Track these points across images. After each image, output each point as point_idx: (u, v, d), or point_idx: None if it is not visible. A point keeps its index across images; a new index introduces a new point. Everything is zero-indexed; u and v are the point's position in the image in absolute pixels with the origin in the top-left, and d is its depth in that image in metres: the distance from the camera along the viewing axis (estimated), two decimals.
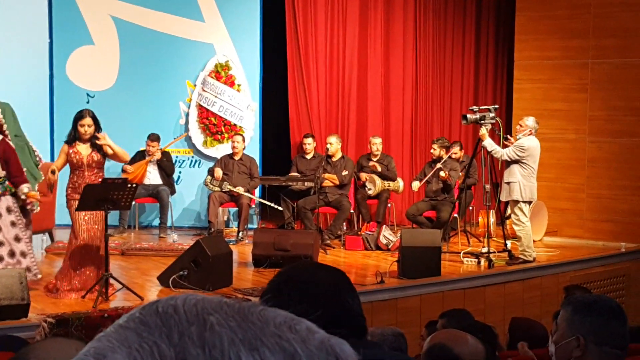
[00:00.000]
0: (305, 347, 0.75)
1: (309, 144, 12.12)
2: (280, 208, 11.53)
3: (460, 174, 11.63)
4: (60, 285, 7.92)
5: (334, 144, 11.69)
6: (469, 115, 10.02)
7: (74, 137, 8.02)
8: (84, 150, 7.99)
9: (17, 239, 8.04)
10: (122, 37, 12.62)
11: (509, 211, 10.66)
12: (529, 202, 9.92)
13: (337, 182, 11.60)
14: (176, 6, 12.57)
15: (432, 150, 11.73)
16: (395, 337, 4.77)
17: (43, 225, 10.62)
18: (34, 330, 6.58)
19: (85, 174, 7.97)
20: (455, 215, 11.36)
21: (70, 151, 7.98)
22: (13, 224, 8.03)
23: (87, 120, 7.98)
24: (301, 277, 1.80)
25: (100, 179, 7.98)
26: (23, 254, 8.08)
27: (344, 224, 11.72)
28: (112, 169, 11.09)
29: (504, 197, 10.10)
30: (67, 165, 8.11)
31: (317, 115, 12.85)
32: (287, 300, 1.72)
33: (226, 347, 0.72)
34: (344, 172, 11.64)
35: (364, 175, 11.95)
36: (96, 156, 8.00)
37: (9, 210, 7.99)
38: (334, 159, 11.75)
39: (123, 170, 11.71)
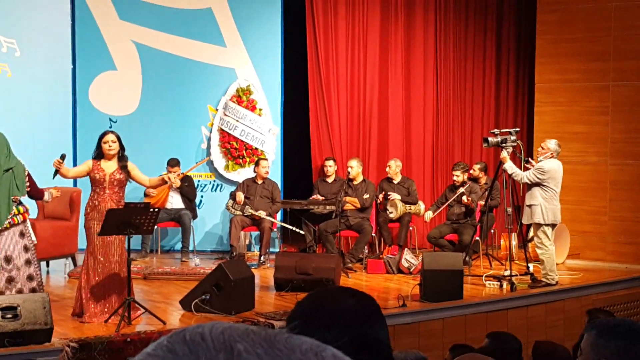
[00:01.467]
0: None
1: (330, 167, 12.15)
2: (301, 232, 11.53)
3: (483, 194, 11.57)
4: (85, 309, 7.95)
5: (354, 168, 11.70)
6: (490, 138, 10.00)
7: (98, 155, 8.11)
8: (108, 168, 8.06)
9: (28, 262, 8.16)
10: (144, 63, 12.72)
11: (531, 234, 10.62)
12: (553, 225, 9.85)
13: (359, 206, 11.60)
14: (198, 31, 12.66)
15: (455, 177, 11.73)
16: None
17: (65, 250, 10.69)
18: (57, 355, 6.61)
19: (106, 192, 8.02)
20: (477, 238, 11.32)
21: (95, 167, 8.03)
22: (26, 248, 8.14)
23: (111, 137, 8.08)
24: (329, 304, 1.78)
25: (119, 199, 8.03)
26: (30, 277, 8.16)
27: (366, 247, 11.70)
28: (133, 194, 11.13)
29: (525, 220, 10.06)
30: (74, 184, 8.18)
31: (338, 139, 12.88)
32: (313, 327, 1.71)
33: None
34: (366, 196, 11.64)
35: (381, 198, 11.93)
36: (119, 175, 8.06)
37: (22, 234, 8.12)
38: (355, 183, 11.75)
39: (145, 195, 11.76)
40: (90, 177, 8.05)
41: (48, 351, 6.66)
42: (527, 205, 9.88)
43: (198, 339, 0.77)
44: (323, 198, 11.90)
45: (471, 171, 11.86)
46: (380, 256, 11.48)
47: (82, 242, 10.64)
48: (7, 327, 6.72)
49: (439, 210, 11.59)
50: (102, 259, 7.99)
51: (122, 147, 8.17)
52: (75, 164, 12.28)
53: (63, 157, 8.04)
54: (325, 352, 0.79)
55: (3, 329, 6.70)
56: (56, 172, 8.00)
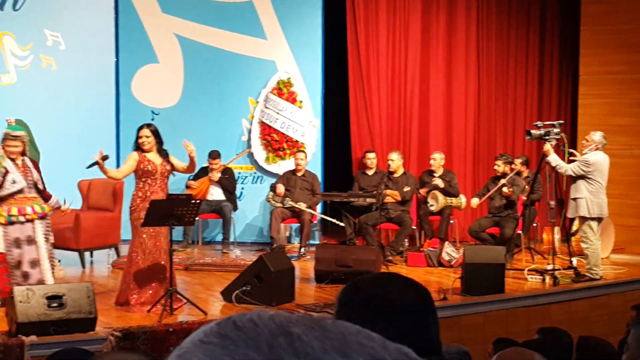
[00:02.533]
0: (388, 353, 0.76)
1: (371, 159, 12.13)
2: (342, 224, 11.53)
3: (526, 187, 11.47)
4: (129, 298, 8.04)
5: (395, 161, 11.67)
6: (533, 131, 9.91)
7: (138, 147, 8.18)
8: (155, 159, 8.14)
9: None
10: (186, 55, 12.79)
11: (574, 228, 10.51)
12: (598, 219, 9.73)
13: (399, 199, 11.57)
14: (239, 24, 12.70)
15: (495, 167, 11.63)
16: (460, 355, 4.72)
17: (109, 241, 10.79)
18: (102, 344, 6.68)
19: (157, 183, 8.11)
20: (519, 231, 11.24)
21: (143, 159, 8.10)
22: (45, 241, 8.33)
23: (145, 132, 8.18)
24: (376, 294, 1.72)
25: (167, 190, 8.12)
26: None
27: (406, 240, 11.67)
28: (175, 186, 11.20)
29: (570, 214, 9.96)
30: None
31: (379, 131, 12.85)
32: (358, 314, 1.66)
33: (319, 354, 0.73)
34: (406, 188, 11.61)
35: (423, 191, 11.89)
36: (167, 165, 8.16)
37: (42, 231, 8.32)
38: (395, 175, 11.72)
39: (187, 187, 11.83)
40: (140, 169, 8.10)
41: (92, 340, 6.73)
42: (572, 199, 9.78)
43: (251, 325, 0.77)
44: (363, 191, 11.89)
45: (512, 165, 11.76)
46: (421, 249, 11.45)
47: (125, 233, 10.76)
48: (52, 316, 6.81)
49: (484, 199, 11.49)
50: (146, 249, 8.06)
51: (159, 141, 8.23)
52: (118, 157, 12.41)
53: (105, 158, 8.05)
54: (372, 334, 0.79)
55: (49, 317, 6.79)
56: (95, 164, 8.01)
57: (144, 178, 8.12)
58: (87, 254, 10.70)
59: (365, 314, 1.66)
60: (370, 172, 12.16)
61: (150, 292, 8.07)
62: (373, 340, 0.78)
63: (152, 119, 12.22)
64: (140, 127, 8.29)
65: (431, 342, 1.71)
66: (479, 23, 13.36)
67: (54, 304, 6.85)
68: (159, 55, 12.83)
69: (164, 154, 8.22)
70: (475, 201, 11.56)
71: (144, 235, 8.07)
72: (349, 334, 0.77)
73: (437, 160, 12.08)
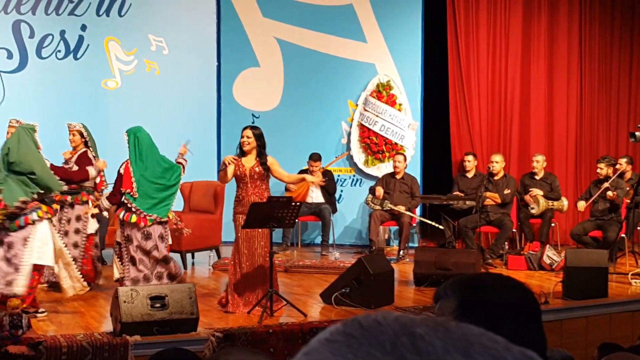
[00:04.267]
0: (511, 356, 0.77)
1: (470, 162, 12.04)
2: (441, 227, 11.47)
3: (629, 191, 11.22)
4: (230, 299, 8.16)
5: (499, 163, 11.56)
6: (637, 133, 9.70)
7: (241, 151, 8.29)
8: (247, 162, 8.24)
9: (76, 245, 8.89)
10: (286, 59, 12.92)
11: None
12: None
13: (499, 201, 11.45)
14: (339, 28, 12.76)
15: (598, 170, 11.41)
16: None
17: (210, 242, 10.97)
18: (203, 344, 6.80)
19: (248, 186, 8.20)
20: (623, 235, 10.99)
21: (238, 163, 8.23)
22: (77, 231, 8.86)
23: (247, 132, 8.30)
24: (490, 295, 1.70)
25: (261, 193, 8.18)
26: (74, 259, 8.62)
27: (506, 243, 11.54)
28: (274, 188, 11.32)
29: None
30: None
31: (479, 133, 12.75)
32: (473, 318, 1.63)
33: (441, 354, 0.75)
34: (506, 191, 11.48)
35: (528, 198, 11.74)
36: (258, 169, 8.22)
37: (77, 218, 8.83)
38: (496, 178, 11.60)
39: (287, 189, 11.95)
40: (235, 173, 8.25)
41: (194, 340, 6.86)
42: None
43: (375, 324, 0.80)
44: (463, 193, 11.81)
45: (617, 166, 11.50)
46: (521, 252, 11.30)
47: (225, 235, 10.94)
48: (155, 316, 6.96)
49: (589, 202, 11.27)
50: (246, 251, 8.18)
51: (261, 145, 8.31)
52: (219, 159, 12.63)
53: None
54: (496, 336, 0.80)
55: (152, 317, 6.94)
56: (223, 167, 8.22)
57: (237, 182, 8.27)
58: (188, 256, 10.90)
59: (483, 315, 1.64)
60: (469, 175, 12.07)
61: (250, 293, 8.18)
62: (496, 343, 0.79)
63: (252, 122, 12.37)
64: (244, 128, 8.43)
65: (539, 346, 1.70)
66: (582, 23, 13.11)
67: (157, 305, 7.00)
68: (259, 59, 12.99)
69: (262, 158, 8.26)
70: (582, 204, 11.35)
71: (241, 238, 8.19)
72: (472, 336, 0.78)
73: (540, 162, 11.91)
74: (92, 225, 9.17)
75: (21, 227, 7.45)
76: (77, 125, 9.45)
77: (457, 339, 0.77)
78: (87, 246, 9.15)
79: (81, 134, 9.41)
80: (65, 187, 8.25)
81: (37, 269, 7.60)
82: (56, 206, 7.95)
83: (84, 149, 9.40)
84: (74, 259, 8.67)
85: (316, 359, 0.77)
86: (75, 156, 9.37)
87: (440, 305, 1.69)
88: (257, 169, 8.22)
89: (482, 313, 1.63)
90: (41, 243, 7.50)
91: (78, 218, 9.04)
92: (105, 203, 8.58)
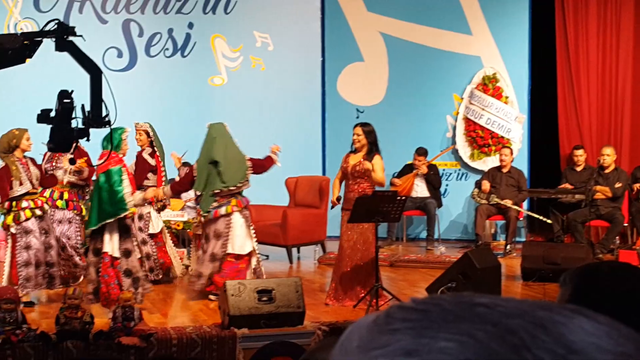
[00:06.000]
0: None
1: (580, 155, 11.79)
2: (549, 221, 11.28)
3: None
4: (336, 293, 8.19)
5: (610, 156, 11.29)
6: None
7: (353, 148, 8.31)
8: (352, 160, 8.23)
9: (144, 242, 9.07)
10: (390, 53, 12.88)
11: None
12: None
13: (610, 195, 11.18)
14: (444, 20, 12.65)
15: None
16: None
17: (315, 237, 11.03)
18: (309, 337, 6.83)
19: (349, 183, 8.21)
20: None
21: (344, 160, 8.27)
22: (140, 229, 9.02)
23: (356, 130, 8.28)
24: (604, 283, 1.64)
25: (362, 190, 8.15)
26: (148, 256, 9.07)
27: (617, 237, 11.26)
28: None
29: None
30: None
31: (588, 126, 12.47)
32: (587, 304, 1.57)
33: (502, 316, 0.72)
34: (617, 185, 11.20)
35: (637, 186, 11.43)
36: (358, 166, 8.17)
37: (140, 217, 8.99)
38: (606, 171, 11.34)
39: (391, 184, 11.92)
40: (342, 169, 8.29)
41: (301, 333, 6.90)
42: None
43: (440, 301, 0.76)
44: (572, 187, 11.58)
45: None
46: (633, 247, 11.00)
47: (330, 230, 10.97)
48: (262, 309, 7.03)
49: None
50: (352, 246, 8.18)
51: (372, 141, 8.25)
52: (324, 154, 12.70)
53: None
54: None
55: (259, 310, 7.01)
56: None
57: (345, 179, 8.27)
58: (294, 250, 10.98)
59: (598, 301, 1.59)
60: (579, 168, 11.82)
61: (355, 287, 8.18)
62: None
63: (357, 117, 12.38)
64: (355, 125, 8.42)
65: None
66: None
67: (264, 298, 7.07)
68: (364, 54, 12.99)
69: (369, 156, 8.21)
70: None
71: (346, 233, 8.20)
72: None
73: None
74: (159, 224, 9.43)
75: None
76: (143, 125, 9.56)
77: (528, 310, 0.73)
78: (160, 238, 9.40)
79: (147, 134, 9.53)
80: None
81: None
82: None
83: (150, 149, 9.53)
84: (147, 256, 9.02)
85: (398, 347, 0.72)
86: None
87: (560, 293, 1.65)
88: (357, 168, 8.18)
89: (597, 299, 1.58)
90: None
91: (140, 217, 9.13)
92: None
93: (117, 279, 7.72)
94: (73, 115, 5.61)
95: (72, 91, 5.71)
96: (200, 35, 12.74)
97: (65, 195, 8.88)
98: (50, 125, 5.61)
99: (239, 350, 6.75)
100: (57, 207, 8.82)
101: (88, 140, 5.78)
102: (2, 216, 8.31)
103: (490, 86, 12.39)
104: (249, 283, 7.23)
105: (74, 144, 5.80)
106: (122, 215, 7.68)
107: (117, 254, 7.72)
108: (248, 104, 12.58)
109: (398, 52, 12.84)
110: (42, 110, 5.69)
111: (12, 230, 8.09)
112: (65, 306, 6.67)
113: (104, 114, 5.72)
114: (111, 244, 7.71)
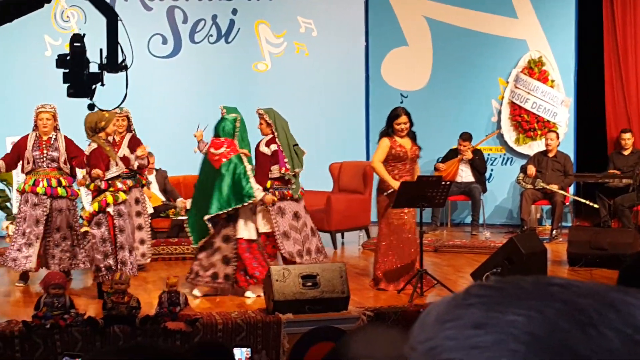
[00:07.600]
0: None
1: (627, 139, 11.65)
2: (596, 206, 11.17)
3: None
4: (379, 278, 8.19)
5: None
6: None
7: (386, 133, 8.23)
8: (405, 144, 8.19)
9: (140, 227, 8.96)
10: (435, 37, 12.81)
11: None
12: None
13: None
14: (489, 4, 12.54)
15: None
16: None
17: (359, 222, 11.03)
18: (354, 323, 6.85)
19: (407, 167, 8.17)
20: None
21: (394, 144, 8.15)
22: (138, 213, 8.95)
23: (403, 119, 8.17)
24: None
25: (414, 173, 8.14)
26: (142, 241, 8.97)
27: None
28: (424, 168, 11.26)
29: None
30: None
31: (636, 110, 12.30)
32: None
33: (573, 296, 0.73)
34: None
35: None
36: (417, 150, 8.22)
37: (137, 201, 8.91)
38: None
39: (435, 169, 11.88)
40: (391, 154, 8.13)
41: (345, 319, 6.92)
42: None
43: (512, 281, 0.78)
44: (619, 171, 11.44)
45: None
46: None
47: (375, 215, 10.94)
48: (307, 295, 7.05)
49: None
50: (396, 231, 8.17)
51: (411, 124, 8.27)
52: (368, 139, 12.67)
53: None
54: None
55: (304, 296, 7.03)
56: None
57: (394, 162, 8.16)
58: (338, 236, 10.99)
59: None
60: (626, 152, 11.68)
61: (400, 272, 8.17)
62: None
63: (401, 102, 12.34)
64: (397, 115, 8.20)
65: None
66: None
67: (309, 283, 7.09)
68: (408, 38, 12.93)
69: (413, 137, 8.24)
70: None
71: (390, 218, 8.18)
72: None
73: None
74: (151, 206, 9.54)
75: None
76: (125, 110, 9.19)
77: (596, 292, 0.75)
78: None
79: (128, 119, 9.33)
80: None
81: None
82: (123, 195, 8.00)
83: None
84: (142, 241, 8.95)
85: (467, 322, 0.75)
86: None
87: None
88: (416, 152, 8.20)
89: None
90: None
91: (137, 201, 8.99)
92: None
93: (260, 259, 7.82)
94: (87, 60, 5.59)
95: (84, 34, 5.68)
96: (243, 21, 12.75)
97: (64, 182, 8.48)
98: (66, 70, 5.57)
99: (283, 335, 6.79)
100: (57, 195, 8.44)
101: (102, 85, 5.65)
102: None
103: (536, 70, 12.28)
104: (294, 268, 7.25)
105: (93, 89, 5.65)
106: (247, 203, 7.71)
107: (253, 236, 7.84)
108: (292, 89, 12.59)
109: (442, 37, 12.75)
110: (59, 55, 5.63)
111: (110, 210, 7.78)
112: (112, 291, 6.75)
113: (120, 59, 5.66)
114: (247, 229, 7.79)
